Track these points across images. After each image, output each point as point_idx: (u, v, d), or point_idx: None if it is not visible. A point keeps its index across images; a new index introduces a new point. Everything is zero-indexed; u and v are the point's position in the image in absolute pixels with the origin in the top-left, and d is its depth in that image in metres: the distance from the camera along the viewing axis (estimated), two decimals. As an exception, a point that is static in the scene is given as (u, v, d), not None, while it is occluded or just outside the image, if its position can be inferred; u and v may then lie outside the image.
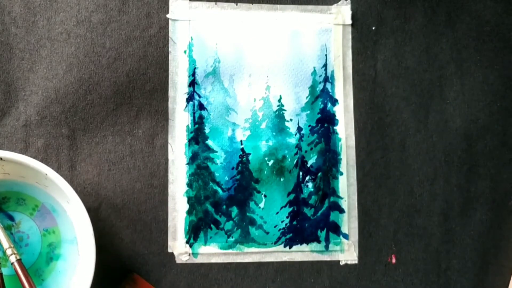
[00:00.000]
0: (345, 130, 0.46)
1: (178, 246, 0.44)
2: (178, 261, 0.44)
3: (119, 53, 0.44)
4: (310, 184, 0.45)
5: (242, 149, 0.45)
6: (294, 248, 0.45)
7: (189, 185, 0.44)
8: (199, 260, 0.44)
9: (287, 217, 0.45)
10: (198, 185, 0.44)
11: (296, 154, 0.46)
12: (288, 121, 0.46)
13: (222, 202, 0.45)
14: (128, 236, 0.43)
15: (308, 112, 0.46)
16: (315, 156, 0.46)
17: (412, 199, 0.46)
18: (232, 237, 0.44)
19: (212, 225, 0.44)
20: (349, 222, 0.46)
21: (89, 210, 0.38)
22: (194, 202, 0.44)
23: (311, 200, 0.45)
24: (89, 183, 0.43)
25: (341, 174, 0.46)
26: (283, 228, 0.45)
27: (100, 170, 0.44)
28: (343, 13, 0.46)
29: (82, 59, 0.44)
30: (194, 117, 0.45)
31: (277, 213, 0.45)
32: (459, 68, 0.47)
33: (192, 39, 0.45)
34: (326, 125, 0.46)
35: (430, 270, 0.46)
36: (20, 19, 0.44)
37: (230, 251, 0.44)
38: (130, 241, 0.43)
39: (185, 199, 0.44)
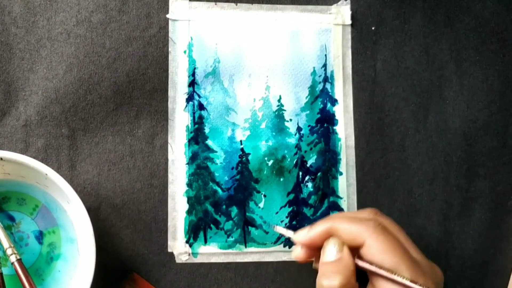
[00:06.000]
0: (344, 130, 0.46)
1: (178, 246, 0.44)
2: (178, 260, 0.44)
3: (119, 53, 0.44)
4: (309, 184, 0.46)
5: (242, 149, 0.45)
6: (294, 247, 0.45)
7: (189, 185, 0.44)
8: (198, 259, 0.44)
9: (286, 217, 0.45)
10: (198, 185, 0.44)
11: (295, 154, 0.46)
12: (287, 121, 0.46)
13: (222, 202, 0.45)
14: (128, 236, 0.44)
15: (308, 112, 0.46)
16: (315, 156, 0.46)
17: (411, 199, 0.46)
18: (232, 237, 0.45)
19: (211, 225, 0.44)
20: (348, 222, 0.46)
21: (89, 210, 0.38)
22: (194, 202, 0.44)
23: (311, 200, 0.45)
24: (89, 183, 0.43)
25: (341, 174, 0.46)
26: (283, 228, 0.45)
27: (100, 170, 0.44)
28: (343, 13, 0.47)
29: (82, 59, 0.44)
30: (194, 117, 0.45)
31: (277, 213, 0.45)
32: (459, 68, 0.48)
33: (192, 39, 0.45)
34: (325, 125, 0.46)
35: (429, 270, 0.46)
36: (20, 19, 0.44)
37: (229, 250, 0.45)
38: (130, 241, 0.44)
39: (185, 199, 0.44)
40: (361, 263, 0.36)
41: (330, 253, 0.37)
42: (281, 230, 0.41)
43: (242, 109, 0.45)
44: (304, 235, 0.38)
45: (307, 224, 0.45)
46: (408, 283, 0.34)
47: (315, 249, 0.38)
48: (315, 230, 0.38)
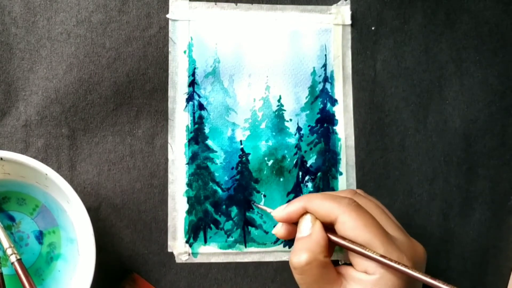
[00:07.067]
0: (344, 130, 0.46)
1: (178, 246, 0.44)
2: (177, 260, 0.44)
3: (119, 53, 0.44)
4: (309, 184, 0.46)
5: (242, 149, 0.45)
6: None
7: (189, 185, 0.44)
8: (198, 259, 0.44)
9: (286, 217, 0.45)
10: (198, 185, 0.44)
11: (295, 154, 0.46)
12: (287, 121, 0.46)
13: (222, 202, 0.45)
14: (128, 236, 0.44)
15: (308, 112, 0.46)
16: (315, 156, 0.46)
17: (411, 199, 0.46)
18: (232, 237, 0.45)
19: (211, 225, 0.44)
20: (348, 222, 0.46)
21: (89, 210, 0.38)
22: (194, 202, 0.44)
23: (311, 200, 0.45)
24: (89, 183, 0.43)
25: (341, 174, 0.46)
26: (283, 228, 0.45)
27: (100, 170, 0.44)
28: (343, 13, 0.47)
29: (82, 59, 0.44)
30: (194, 117, 0.45)
31: (277, 213, 0.45)
32: (459, 68, 0.48)
33: (192, 39, 0.45)
34: (325, 125, 0.46)
35: (429, 270, 0.46)
36: (20, 19, 0.44)
37: (229, 250, 0.45)
38: (130, 241, 0.44)
39: (185, 199, 0.44)
40: (334, 238, 0.37)
41: (304, 228, 0.38)
42: (261, 206, 0.44)
43: (242, 109, 0.45)
44: (281, 211, 0.40)
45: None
46: (378, 257, 0.35)
47: (294, 226, 0.40)
48: (292, 207, 0.39)
